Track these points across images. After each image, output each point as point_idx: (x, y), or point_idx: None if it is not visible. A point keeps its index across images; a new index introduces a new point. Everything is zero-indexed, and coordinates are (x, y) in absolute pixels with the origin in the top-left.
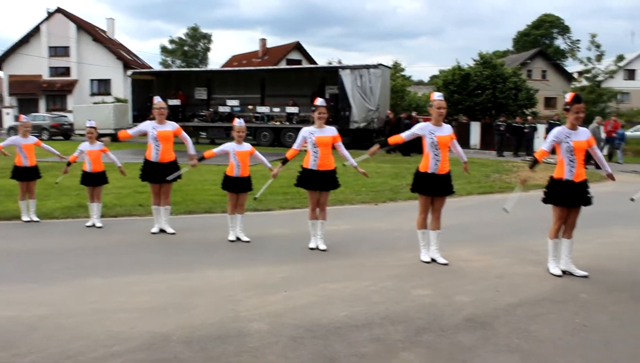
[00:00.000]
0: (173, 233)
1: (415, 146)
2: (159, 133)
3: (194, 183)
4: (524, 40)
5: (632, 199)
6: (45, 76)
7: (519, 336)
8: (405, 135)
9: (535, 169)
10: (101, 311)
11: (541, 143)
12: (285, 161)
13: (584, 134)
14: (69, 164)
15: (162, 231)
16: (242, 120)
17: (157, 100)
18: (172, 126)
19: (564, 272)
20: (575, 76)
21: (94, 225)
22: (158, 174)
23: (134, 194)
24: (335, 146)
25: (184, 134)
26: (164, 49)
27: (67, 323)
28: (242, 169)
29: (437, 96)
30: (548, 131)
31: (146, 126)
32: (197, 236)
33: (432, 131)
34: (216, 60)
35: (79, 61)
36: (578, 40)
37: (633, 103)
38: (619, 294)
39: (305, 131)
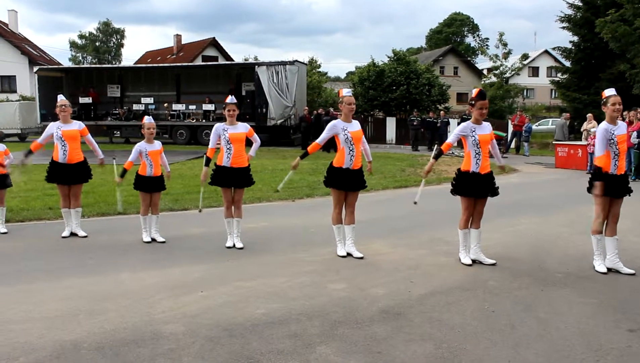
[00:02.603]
0: (85, 236)
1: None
2: (64, 133)
3: (107, 183)
4: (436, 37)
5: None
6: None
7: (432, 325)
8: (320, 140)
9: (438, 160)
10: (5, 322)
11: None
12: (207, 161)
13: (487, 128)
14: None
15: (73, 234)
16: (151, 117)
17: (59, 98)
18: (78, 126)
19: (474, 261)
20: (485, 72)
21: None
22: (66, 175)
23: (43, 197)
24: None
25: (89, 137)
26: (73, 45)
27: None
28: (155, 168)
29: (346, 92)
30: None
31: (51, 128)
32: (110, 239)
33: (344, 128)
34: (129, 56)
35: None
36: (487, 38)
37: (537, 98)
38: (522, 279)
39: (218, 127)
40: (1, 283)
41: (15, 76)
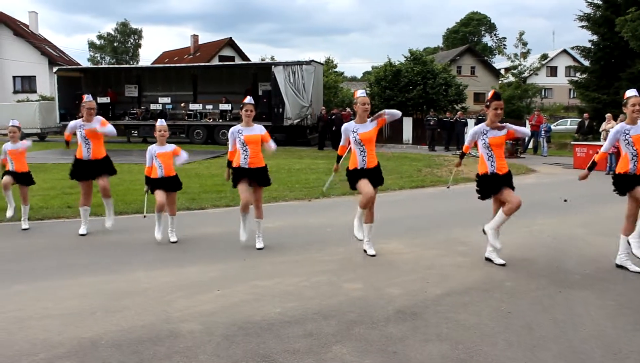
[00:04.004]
0: (109, 227)
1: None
2: (88, 131)
3: (125, 183)
4: (453, 37)
5: (565, 200)
6: None
7: (448, 325)
8: (342, 142)
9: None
10: (25, 319)
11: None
12: (229, 164)
13: (502, 130)
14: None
15: (103, 231)
16: (163, 120)
17: (87, 98)
18: (98, 122)
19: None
20: (503, 72)
21: (12, 215)
22: (90, 170)
23: (62, 196)
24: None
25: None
26: (92, 45)
27: None
28: (166, 170)
29: (360, 93)
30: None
31: (75, 124)
32: (127, 238)
33: (355, 130)
34: (147, 56)
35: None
36: (504, 38)
37: (555, 98)
38: (540, 280)
39: (233, 131)
40: (21, 280)
41: (35, 76)
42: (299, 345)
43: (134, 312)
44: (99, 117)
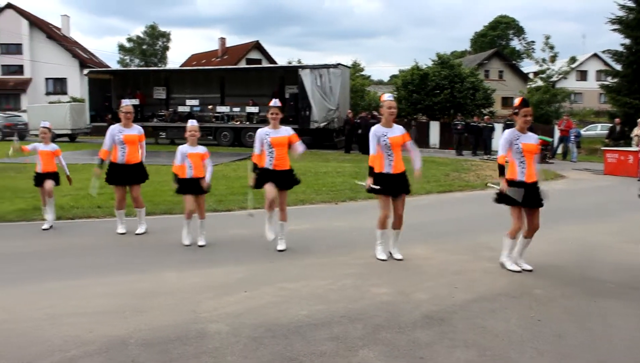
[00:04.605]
0: (142, 233)
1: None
2: (125, 137)
3: (153, 183)
4: (481, 41)
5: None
6: None
7: (476, 331)
8: (372, 150)
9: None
10: (57, 316)
11: (499, 142)
12: (255, 167)
13: (532, 138)
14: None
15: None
16: (194, 121)
17: (124, 103)
18: (138, 131)
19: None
20: (531, 76)
21: (51, 227)
22: (124, 176)
23: (91, 196)
24: (291, 146)
25: (143, 143)
26: (122, 48)
27: (22, 329)
28: (195, 170)
29: (387, 96)
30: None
31: (112, 131)
32: (156, 238)
33: (385, 134)
34: (175, 59)
35: (33, 59)
36: (533, 41)
37: (585, 103)
38: (570, 288)
39: (260, 133)
40: (53, 277)
41: (66, 78)
42: (326, 347)
43: (162, 312)
44: (140, 129)
